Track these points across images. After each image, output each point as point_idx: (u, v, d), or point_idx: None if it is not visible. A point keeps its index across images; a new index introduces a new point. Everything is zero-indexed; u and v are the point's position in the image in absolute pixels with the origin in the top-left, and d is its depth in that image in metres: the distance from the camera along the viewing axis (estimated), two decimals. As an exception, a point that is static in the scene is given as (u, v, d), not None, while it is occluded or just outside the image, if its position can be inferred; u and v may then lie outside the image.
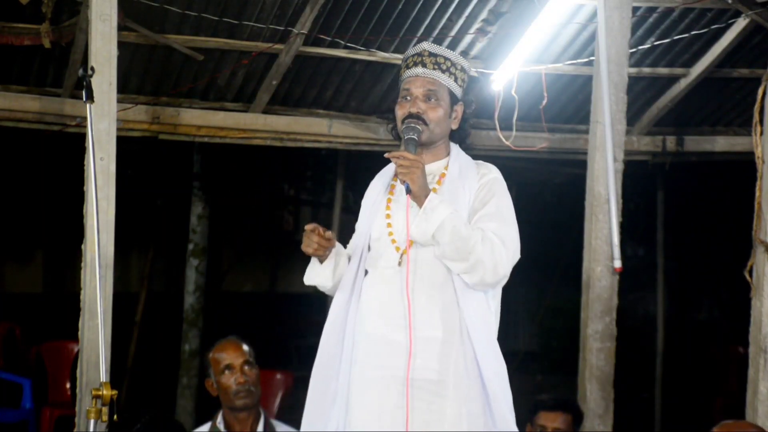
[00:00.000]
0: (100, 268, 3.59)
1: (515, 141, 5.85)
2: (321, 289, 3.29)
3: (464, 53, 6.02)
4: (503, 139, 5.76)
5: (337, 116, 6.42)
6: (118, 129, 4.74)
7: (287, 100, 6.34)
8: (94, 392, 2.91)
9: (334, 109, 6.47)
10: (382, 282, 3.14)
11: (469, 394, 3.05)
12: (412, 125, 3.12)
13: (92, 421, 2.91)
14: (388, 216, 3.18)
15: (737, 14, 5.83)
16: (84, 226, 4.58)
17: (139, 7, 5.35)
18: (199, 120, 6.07)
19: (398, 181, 3.14)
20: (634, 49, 5.84)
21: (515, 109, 5.58)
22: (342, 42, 5.84)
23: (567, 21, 5.84)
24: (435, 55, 3.19)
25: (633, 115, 6.56)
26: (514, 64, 5.66)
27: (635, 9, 5.60)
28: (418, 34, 5.81)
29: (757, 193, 4.74)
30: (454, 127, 3.24)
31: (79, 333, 4.63)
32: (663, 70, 6.50)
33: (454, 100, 3.21)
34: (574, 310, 5.82)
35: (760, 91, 4.81)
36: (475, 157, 3.28)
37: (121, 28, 4.99)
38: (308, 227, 3.14)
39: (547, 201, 11.05)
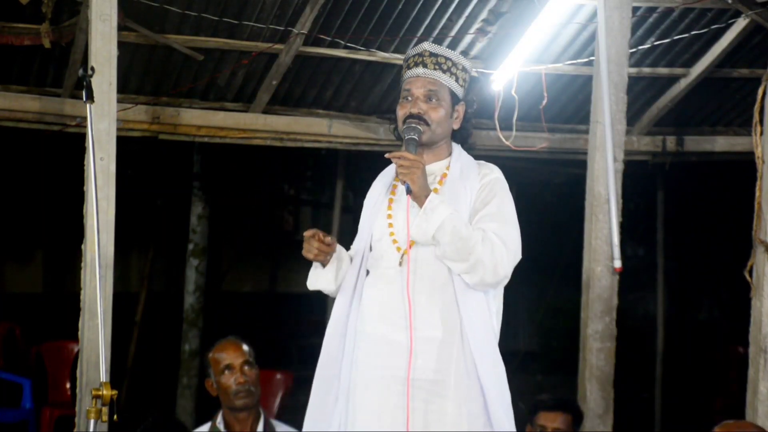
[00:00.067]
0: (100, 268, 3.59)
1: (515, 141, 5.85)
2: (325, 292, 3.28)
3: (464, 53, 6.02)
4: (503, 139, 5.76)
5: (337, 116, 6.42)
6: (118, 129, 4.74)
7: (287, 100, 6.34)
8: (94, 392, 2.91)
9: (334, 109, 6.47)
10: (383, 282, 3.14)
11: (470, 395, 3.05)
12: (413, 125, 3.12)
13: (92, 421, 2.91)
14: (389, 216, 3.18)
15: (737, 14, 5.83)
16: (84, 226, 4.58)
17: (139, 7, 5.35)
18: (199, 120, 6.07)
19: (399, 181, 3.14)
20: (634, 49, 5.84)
21: (515, 109, 5.58)
22: (342, 42, 5.84)
23: (567, 21, 5.84)
24: (436, 55, 3.19)
25: (633, 115, 6.56)
26: (514, 64, 5.66)
27: (635, 9, 5.60)
28: (418, 34, 5.81)
29: (757, 193, 4.74)
30: (456, 127, 3.24)
31: (79, 333, 4.63)
32: (663, 70, 6.50)
33: (455, 100, 3.21)
34: (574, 310, 5.82)
35: (760, 91, 4.81)
36: (475, 157, 3.28)
37: (121, 28, 4.99)
38: (307, 234, 3.14)
39: (547, 201, 11.06)
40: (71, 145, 5.60)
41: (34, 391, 7.08)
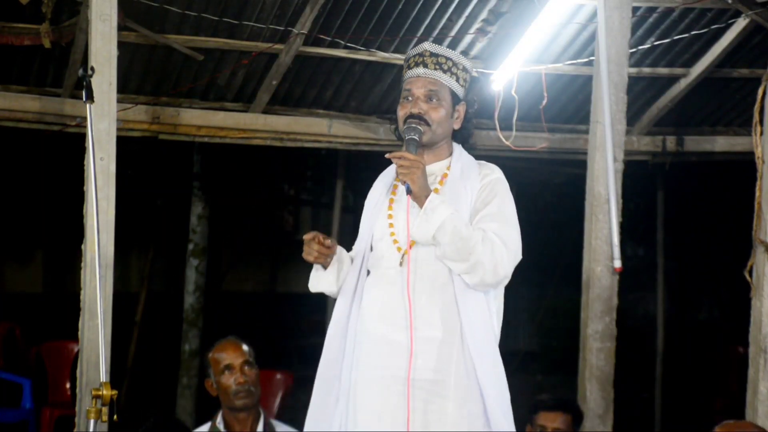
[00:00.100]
0: (100, 268, 3.59)
1: (515, 141, 5.85)
2: (327, 293, 3.28)
3: (464, 53, 6.02)
4: (503, 139, 5.76)
5: (337, 116, 6.42)
6: (118, 129, 4.74)
7: (287, 100, 6.33)
8: (94, 392, 2.90)
9: (334, 109, 6.47)
10: (384, 282, 3.14)
11: (470, 395, 3.05)
12: (414, 125, 3.11)
13: (92, 421, 2.91)
14: (390, 216, 3.18)
15: (737, 14, 5.83)
16: (84, 226, 4.58)
17: (139, 7, 5.35)
18: (199, 120, 6.06)
19: (400, 181, 3.14)
20: (634, 49, 5.84)
21: (515, 109, 5.58)
22: (342, 42, 5.84)
23: (567, 21, 5.84)
24: (436, 55, 3.19)
25: (633, 115, 6.56)
26: (514, 64, 5.66)
27: (635, 9, 5.60)
28: (418, 34, 5.82)
29: (757, 193, 4.74)
30: (457, 127, 3.24)
31: (79, 333, 4.63)
32: (663, 70, 6.50)
33: (456, 100, 3.20)
34: (574, 310, 5.82)
35: (760, 91, 4.81)
36: (475, 157, 3.27)
37: (121, 28, 4.99)
38: (307, 237, 3.14)
39: (547, 201, 11.07)
40: (71, 145, 5.60)
41: (34, 391, 7.08)
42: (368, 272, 3.22)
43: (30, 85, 5.92)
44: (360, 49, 5.93)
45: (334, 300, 3.26)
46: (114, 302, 4.54)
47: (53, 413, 6.96)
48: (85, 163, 4.43)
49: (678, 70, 6.51)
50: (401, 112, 3.18)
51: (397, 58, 5.98)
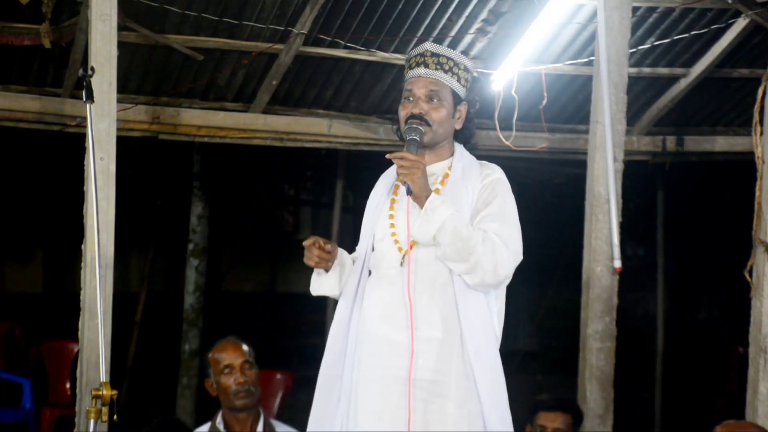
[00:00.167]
0: (100, 268, 3.59)
1: (515, 141, 5.85)
2: (330, 296, 3.28)
3: (464, 53, 6.00)
4: (503, 139, 5.76)
5: (337, 116, 6.42)
6: (118, 129, 4.74)
7: (287, 100, 6.33)
8: (94, 392, 2.90)
9: (334, 109, 6.47)
10: (385, 282, 3.14)
11: (470, 395, 3.05)
12: (414, 126, 3.11)
13: (92, 421, 2.91)
14: (391, 216, 3.18)
15: (737, 14, 5.83)
16: (84, 226, 4.58)
17: (139, 7, 5.35)
18: (199, 120, 6.07)
19: (400, 181, 3.14)
20: (634, 49, 5.84)
21: (515, 109, 5.58)
22: (342, 42, 5.84)
23: (567, 21, 5.84)
24: (437, 55, 3.18)
25: (633, 115, 6.56)
26: (514, 64, 5.66)
27: (635, 9, 5.60)
28: (418, 34, 5.82)
29: (757, 193, 4.74)
30: (458, 127, 3.24)
31: (79, 333, 4.63)
32: (663, 70, 6.50)
33: (457, 100, 3.20)
34: (574, 310, 5.82)
35: (760, 91, 4.81)
36: (477, 157, 3.27)
37: (121, 28, 4.99)
38: (307, 243, 3.14)
39: (547, 201, 11.05)
40: (71, 145, 5.60)
41: (34, 391, 7.08)
42: (369, 272, 3.22)
43: (30, 85, 5.92)
44: (360, 49, 5.93)
45: (335, 300, 3.26)
46: (114, 302, 4.54)
47: (53, 413, 6.96)
48: (85, 163, 4.43)
49: (678, 70, 6.51)
50: (402, 113, 3.18)
51: (397, 58, 5.98)
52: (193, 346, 8.47)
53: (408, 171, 3.01)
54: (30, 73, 5.89)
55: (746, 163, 5.14)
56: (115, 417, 2.90)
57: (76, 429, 4.67)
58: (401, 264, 3.11)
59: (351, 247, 3.35)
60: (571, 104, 6.78)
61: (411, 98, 3.16)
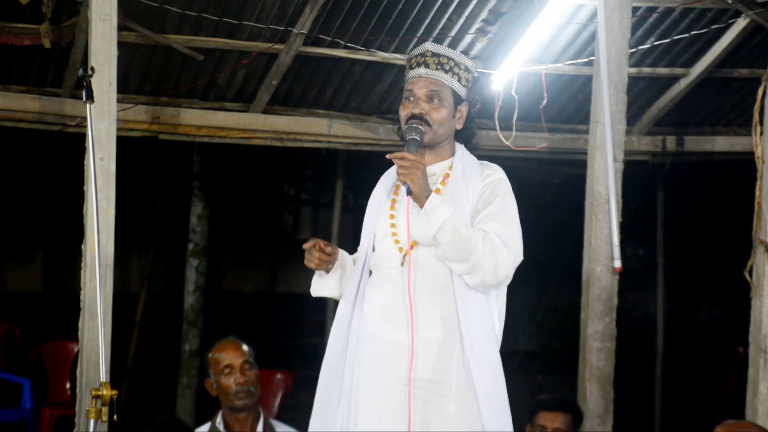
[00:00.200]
0: (100, 268, 3.59)
1: (515, 141, 5.85)
2: (331, 297, 3.28)
3: (464, 53, 5.99)
4: (503, 139, 5.75)
5: (337, 116, 6.42)
6: (118, 129, 4.74)
7: (287, 100, 6.33)
8: (94, 392, 2.90)
9: (334, 109, 6.47)
10: (385, 282, 3.14)
11: (470, 396, 3.04)
12: (415, 126, 3.11)
13: (92, 421, 2.91)
14: (392, 216, 3.18)
15: (737, 14, 5.83)
16: (84, 226, 4.58)
17: (139, 7, 5.35)
18: (199, 120, 6.06)
19: (401, 181, 3.14)
20: (634, 49, 5.84)
21: (515, 109, 5.58)
22: (342, 42, 5.84)
23: (567, 21, 5.84)
24: (438, 55, 3.18)
25: (633, 115, 6.56)
26: (514, 64, 5.66)
27: (635, 9, 5.60)
28: (418, 34, 5.82)
29: (757, 193, 4.74)
30: (459, 127, 3.24)
31: (79, 333, 4.63)
32: (663, 70, 6.50)
33: (458, 100, 3.20)
34: (574, 310, 5.82)
35: (760, 91, 4.81)
36: (477, 157, 3.27)
37: (121, 28, 4.99)
38: (307, 245, 3.15)
39: (547, 201, 11.05)
40: (71, 145, 5.60)
41: (34, 391, 7.08)
42: (370, 272, 3.22)
43: (30, 85, 5.92)
44: (360, 49, 5.93)
45: (336, 301, 3.26)
46: (114, 302, 4.54)
47: (53, 413, 6.96)
48: (85, 163, 4.43)
49: (678, 70, 6.51)
50: (403, 113, 3.18)
51: (397, 58, 5.98)
52: (193, 346, 8.47)
53: (408, 171, 3.01)
54: (30, 73, 5.89)
55: (746, 163, 5.14)
56: (115, 417, 2.90)
57: (76, 429, 4.67)
58: (402, 264, 3.11)
59: (351, 248, 3.35)
60: (571, 104, 6.78)
61: (411, 98, 3.16)
